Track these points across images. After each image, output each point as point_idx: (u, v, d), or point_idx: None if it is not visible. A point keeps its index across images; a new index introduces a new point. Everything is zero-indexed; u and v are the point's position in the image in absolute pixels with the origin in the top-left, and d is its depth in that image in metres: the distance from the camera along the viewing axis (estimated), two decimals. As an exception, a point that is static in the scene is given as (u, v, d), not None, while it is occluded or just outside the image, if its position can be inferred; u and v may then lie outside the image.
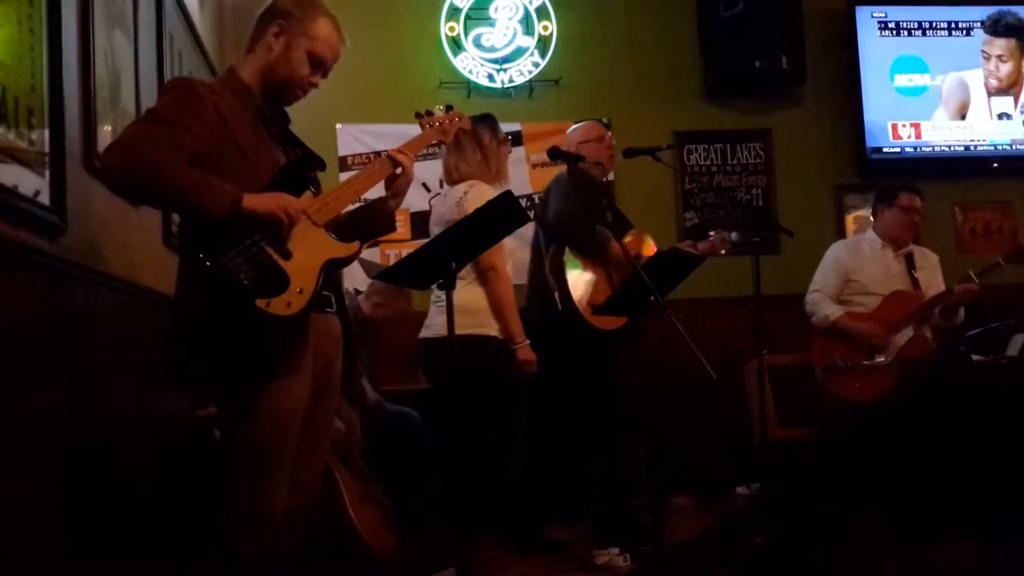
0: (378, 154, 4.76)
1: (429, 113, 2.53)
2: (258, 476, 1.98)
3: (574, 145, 3.85)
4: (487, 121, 3.37)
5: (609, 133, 3.90)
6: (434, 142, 2.57)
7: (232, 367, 1.95)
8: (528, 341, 3.17)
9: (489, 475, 3.12)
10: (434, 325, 3.20)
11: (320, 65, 2.14)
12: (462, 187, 3.23)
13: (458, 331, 2.93)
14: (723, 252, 3.90)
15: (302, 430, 2.05)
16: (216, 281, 1.86)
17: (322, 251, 2.03)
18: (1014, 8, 5.28)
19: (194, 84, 2.08)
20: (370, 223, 2.30)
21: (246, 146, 2.03)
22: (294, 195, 2.02)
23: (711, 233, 3.96)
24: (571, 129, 3.95)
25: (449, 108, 2.58)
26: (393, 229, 2.40)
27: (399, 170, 2.26)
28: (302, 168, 2.13)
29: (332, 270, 2.08)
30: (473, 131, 3.27)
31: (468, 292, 3.14)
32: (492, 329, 3.15)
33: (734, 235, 3.86)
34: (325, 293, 2.08)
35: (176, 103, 1.96)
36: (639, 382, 3.70)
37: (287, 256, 1.95)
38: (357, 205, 2.30)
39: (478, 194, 3.14)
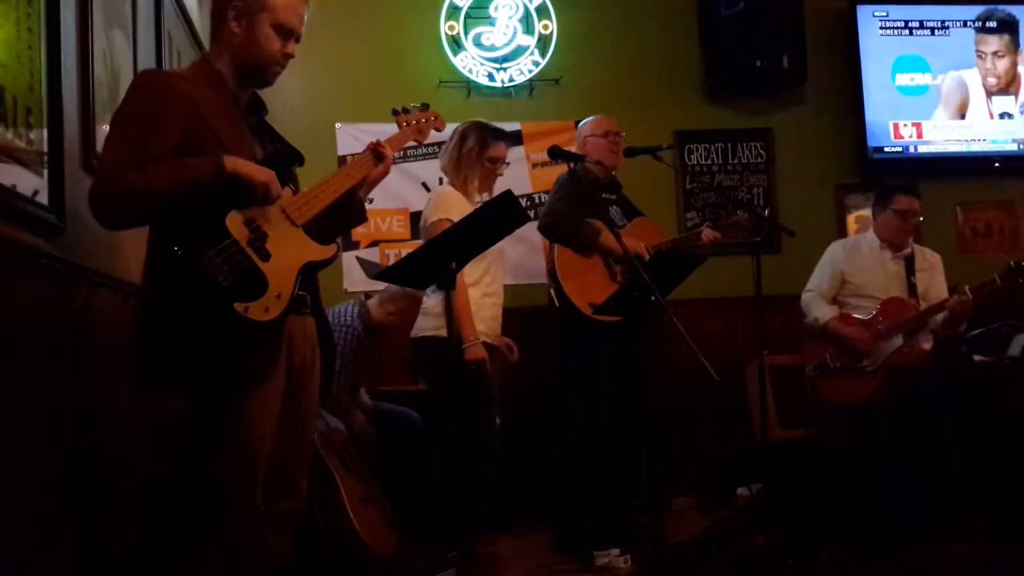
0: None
1: (406, 110, 2.52)
2: (233, 479, 1.95)
3: (582, 138, 3.88)
4: (478, 128, 3.39)
5: (623, 134, 3.87)
6: (410, 143, 2.56)
7: (204, 375, 1.86)
8: (478, 340, 3.20)
9: (464, 471, 3.18)
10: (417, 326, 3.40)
11: (289, 33, 2.06)
12: (434, 191, 3.32)
13: (423, 333, 3.29)
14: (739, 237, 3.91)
15: (279, 432, 2.02)
16: (190, 280, 1.79)
17: (301, 253, 1.99)
18: (1005, 7, 5.27)
19: (164, 79, 2.03)
20: (342, 216, 2.24)
21: (225, 138, 1.97)
22: None
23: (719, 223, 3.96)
24: (583, 122, 3.97)
25: (425, 106, 2.55)
26: (365, 219, 2.37)
27: (381, 166, 2.24)
28: (281, 162, 2.06)
29: (309, 273, 2.04)
30: (463, 130, 3.33)
31: (429, 298, 3.30)
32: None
33: (739, 212, 3.90)
34: (301, 293, 2.02)
35: (143, 108, 1.92)
36: (641, 383, 3.70)
37: (266, 257, 1.90)
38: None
39: (436, 202, 3.22)
